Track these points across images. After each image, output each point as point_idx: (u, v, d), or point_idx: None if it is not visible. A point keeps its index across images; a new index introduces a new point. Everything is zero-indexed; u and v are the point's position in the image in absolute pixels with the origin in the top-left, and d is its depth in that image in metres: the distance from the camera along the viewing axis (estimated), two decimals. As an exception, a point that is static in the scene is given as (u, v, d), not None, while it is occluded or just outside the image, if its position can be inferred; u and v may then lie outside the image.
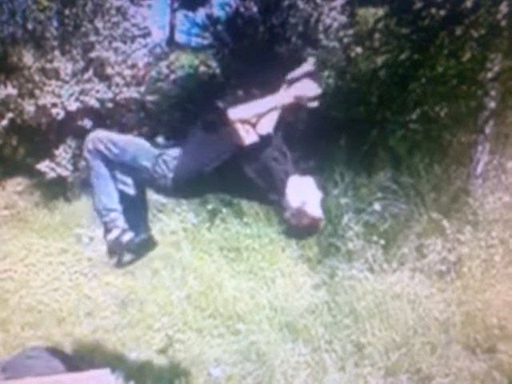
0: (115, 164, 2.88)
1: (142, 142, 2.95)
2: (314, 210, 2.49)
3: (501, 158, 6.13)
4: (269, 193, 2.55)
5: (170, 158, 2.76)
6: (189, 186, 2.76)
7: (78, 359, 4.13)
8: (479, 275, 4.89)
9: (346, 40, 8.44)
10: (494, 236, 5.19)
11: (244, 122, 2.56)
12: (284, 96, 2.71)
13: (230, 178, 2.62)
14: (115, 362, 4.34)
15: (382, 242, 5.40)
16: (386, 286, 4.83)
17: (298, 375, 4.09)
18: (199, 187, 2.84)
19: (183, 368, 4.29)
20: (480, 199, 5.69)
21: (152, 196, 6.97)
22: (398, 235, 5.51)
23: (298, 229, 2.55)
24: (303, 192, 2.49)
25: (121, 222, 2.93)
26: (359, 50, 8.18)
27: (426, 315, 4.50)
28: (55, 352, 4.05)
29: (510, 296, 4.66)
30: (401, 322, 4.43)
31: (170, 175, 2.75)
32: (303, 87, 2.70)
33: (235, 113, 2.57)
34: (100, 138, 2.94)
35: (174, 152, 2.78)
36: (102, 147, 2.88)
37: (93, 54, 7.56)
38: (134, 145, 2.91)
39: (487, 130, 6.23)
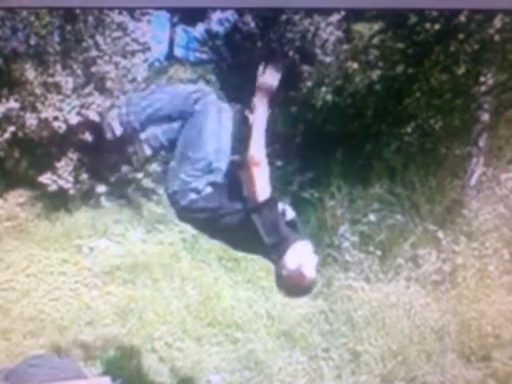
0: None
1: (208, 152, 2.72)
2: (310, 272, 2.59)
3: (494, 170, 6.23)
4: (270, 251, 2.63)
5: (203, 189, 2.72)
6: (197, 220, 2.78)
7: (79, 367, 4.16)
8: (474, 285, 4.96)
9: (342, 55, 8.59)
10: (487, 246, 5.27)
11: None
12: (259, 100, 2.72)
13: (238, 230, 2.65)
14: (115, 370, 4.39)
15: (378, 252, 5.49)
16: (382, 296, 4.90)
17: (296, 383, 4.15)
18: (206, 226, 2.82)
19: (182, 376, 4.35)
20: (474, 210, 5.78)
21: (151, 208, 7.11)
22: (394, 246, 5.59)
23: (293, 287, 2.64)
24: (301, 255, 2.60)
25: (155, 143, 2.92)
26: (355, 64, 8.32)
27: (421, 324, 4.57)
28: (57, 360, 4.11)
29: (504, 305, 4.73)
30: (397, 330, 4.50)
31: (185, 202, 2.70)
32: (266, 79, 2.78)
33: (256, 152, 2.57)
34: (220, 108, 2.81)
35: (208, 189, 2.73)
36: (212, 109, 2.78)
37: (94, 69, 7.67)
38: (214, 150, 2.72)
39: (481, 143, 6.33)
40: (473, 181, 6.29)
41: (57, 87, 7.47)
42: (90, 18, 7.82)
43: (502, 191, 6.02)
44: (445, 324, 4.61)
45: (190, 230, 6.54)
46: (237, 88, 8.91)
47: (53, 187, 7.41)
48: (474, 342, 4.44)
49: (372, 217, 5.89)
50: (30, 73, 7.41)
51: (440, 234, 5.49)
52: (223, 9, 9.67)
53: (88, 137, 7.58)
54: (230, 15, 9.83)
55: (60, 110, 7.34)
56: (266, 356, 4.47)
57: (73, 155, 7.65)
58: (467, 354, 4.37)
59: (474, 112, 6.44)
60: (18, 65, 7.55)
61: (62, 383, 3.61)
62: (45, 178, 7.41)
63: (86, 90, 7.60)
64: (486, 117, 6.39)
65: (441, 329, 4.57)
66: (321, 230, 6.23)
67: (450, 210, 5.98)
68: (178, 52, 14.10)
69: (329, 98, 7.89)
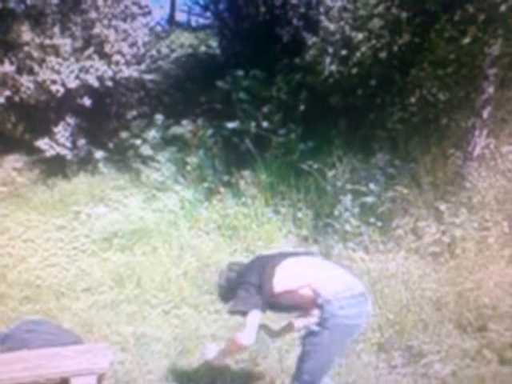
0: None
1: None
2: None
3: (497, 142, 6.16)
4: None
5: None
6: None
7: (76, 333, 4.15)
8: (472, 256, 4.94)
9: (346, 22, 8.40)
10: (488, 218, 5.25)
11: None
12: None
13: None
14: (112, 336, 4.39)
15: (379, 223, 5.47)
16: (381, 266, 4.89)
17: (293, 351, 4.12)
18: None
19: (179, 342, 4.34)
20: (475, 182, 5.73)
21: (150, 175, 7.05)
22: (394, 217, 5.56)
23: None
24: None
25: None
26: (360, 35, 8.14)
27: (419, 295, 4.55)
28: (53, 326, 4.09)
29: (502, 277, 4.72)
30: (395, 300, 4.48)
31: None
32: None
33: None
34: None
35: None
36: None
37: (93, 32, 7.52)
38: None
39: (485, 114, 6.24)
40: (475, 153, 6.22)
41: (55, 50, 7.33)
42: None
43: (504, 164, 5.97)
44: (442, 294, 4.60)
45: (189, 197, 6.56)
46: (238, 54, 8.80)
47: (50, 152, 7.34)
48: (471, 312, 4.43)
49: (373, 188, 5.84)
50: (27, 34, 7.27)
51: (440, 206, 5.45)
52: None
53: (86, 101, 7.48)
54: (233, -21, 9.59)
55: (58, 73, 7.22)
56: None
57: (70, 120, 7.56)
58: (464, 325, 4.36)
59: (478, 83, 6.33)
60: (14, 26, 7.39)
61: (58, 349, 3.59)
62: (42, 143, 7.35)
63: (85, 54, 7.47)
64: (490, 88, 6.28)
65: (438, 299, 4.56)
66: (320, 199, 6.19)
67: (451, 181, 5.95)
68: (180, 17, 13.88)
69: (333, 67, 7.74)
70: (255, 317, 2.96)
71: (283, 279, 3.00)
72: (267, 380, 3.86)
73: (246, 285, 3.01)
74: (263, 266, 3.07)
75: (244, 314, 2.99)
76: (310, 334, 2.95)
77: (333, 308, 2.85)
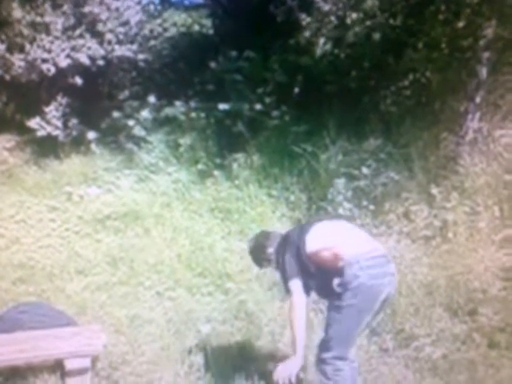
0: None
1: None
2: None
3: (490, 126, 6.17)
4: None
5: None
6: None
7: (69, 315, 4.17)
8: (464, 241, 4.98)
9: (341, 1, 8.32)
10: (479, 203, 5.27)
11: None
12: None
13: None
14: (106, 318, 4.41)
15: (371, 207, 5.50)
16: (373, 250, 4.91)
17: (286, 333, 4.18)
18: None
19: (173, 325, 4.38)
20: (467, 167, 5.74)
21: (143, 156, 7.02)
22: (386, 201, 5.59)
23: None
24: None
25: None
26: (354, 14, 8.07)
27: (410, 278, 4.60)
28: (46, 307, 4.11)
29: (493, 261, 4.76)
30: (386, 284, 4.52)
31: None
32: None
33: None
34: None
35: None
36: None
37: (84, 9, 7.41)
38: None
39: (478, 98, 6.24)
40: (467, 137, 6.22)
41: (46, 28, 7.22)
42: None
43: (496, 148, 5.98)
44: (434, 278, 4.64)
45: (182, 179, 6.54)
46: (232, 34, 8.71)
47: (41, 132, 7.28)
48: (462, 296, 4.48)
49: (366, 171, 5.86)
50: (18, 12, 7.14)
51: (432, 190, 5.48)
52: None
53: (78, 81, 7.41)
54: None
55: (49, 51, 7.12)
56: (256, 307, 4.50)
57: (62, 99, 7.49)
58: (454, 308, 4.42)
59: (472, 66, 6.32)
60: (4, 3, 7.26)
61: (51, 330, 3.62)
62: (33, 123, 7.28)
63: (77, 32, 7.37)
64: (483, 72, 6.27)
65: (430, 283, 4.60)
66: (313, 182, 6.21)
67: (443, 165, 5.96)
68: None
69: (327, 47, 7.69)
70: (296, 282, 3.05)
71: (315, 241, 3.08)
72: (260, 361, 3.90)
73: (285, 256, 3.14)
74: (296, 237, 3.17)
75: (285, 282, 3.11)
76: (333, 297, 2.99)
77: (354, 270, 2.89)
